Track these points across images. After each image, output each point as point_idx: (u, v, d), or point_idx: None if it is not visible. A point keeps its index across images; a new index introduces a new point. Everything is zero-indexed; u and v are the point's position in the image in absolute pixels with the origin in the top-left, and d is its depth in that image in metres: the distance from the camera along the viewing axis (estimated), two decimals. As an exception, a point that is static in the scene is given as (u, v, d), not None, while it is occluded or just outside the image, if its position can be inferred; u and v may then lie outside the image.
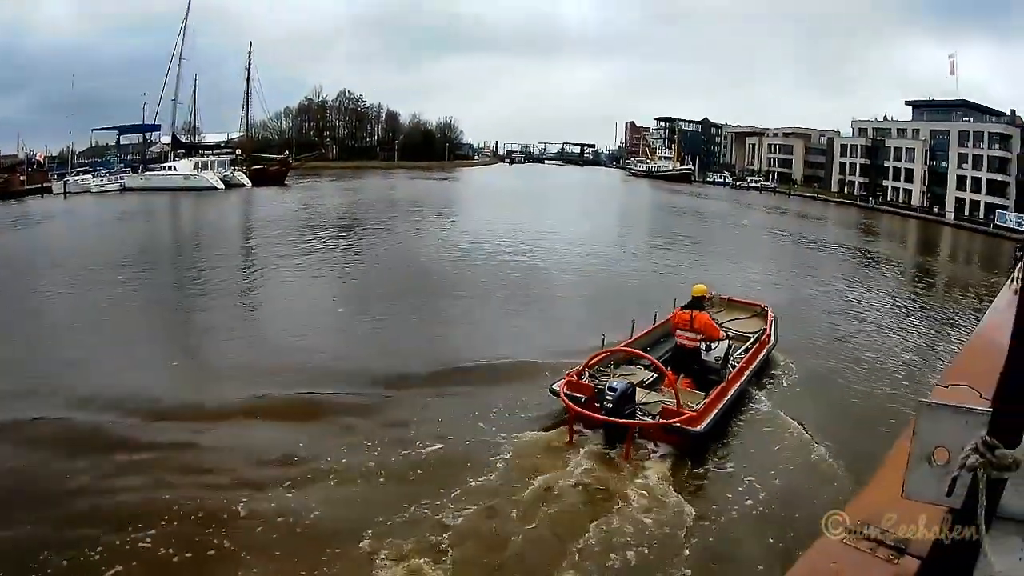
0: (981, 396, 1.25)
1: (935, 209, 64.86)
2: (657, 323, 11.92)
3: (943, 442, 1.21)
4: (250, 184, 57.32)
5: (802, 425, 9.49)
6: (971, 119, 67.32)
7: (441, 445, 8.53)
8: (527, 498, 7.28)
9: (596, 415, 8.37)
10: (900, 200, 71.09)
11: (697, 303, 10.49)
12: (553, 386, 9.12)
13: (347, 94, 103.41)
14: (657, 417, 8.50)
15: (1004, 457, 1.08)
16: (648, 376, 9.85)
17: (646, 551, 6.49)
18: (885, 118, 79.65)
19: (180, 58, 61.12)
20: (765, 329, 12.29)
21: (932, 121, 70.96)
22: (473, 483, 7.58)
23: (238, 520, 6.86)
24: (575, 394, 8.75)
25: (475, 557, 6.38)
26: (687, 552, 6.56)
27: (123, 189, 50.79)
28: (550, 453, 8.33)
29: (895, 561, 1.43)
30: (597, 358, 9.60)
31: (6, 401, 9.56)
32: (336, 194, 53.14)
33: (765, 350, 11.56)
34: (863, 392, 11.56)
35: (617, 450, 8.24)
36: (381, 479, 7.74)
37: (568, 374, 9.27)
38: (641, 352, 10.20)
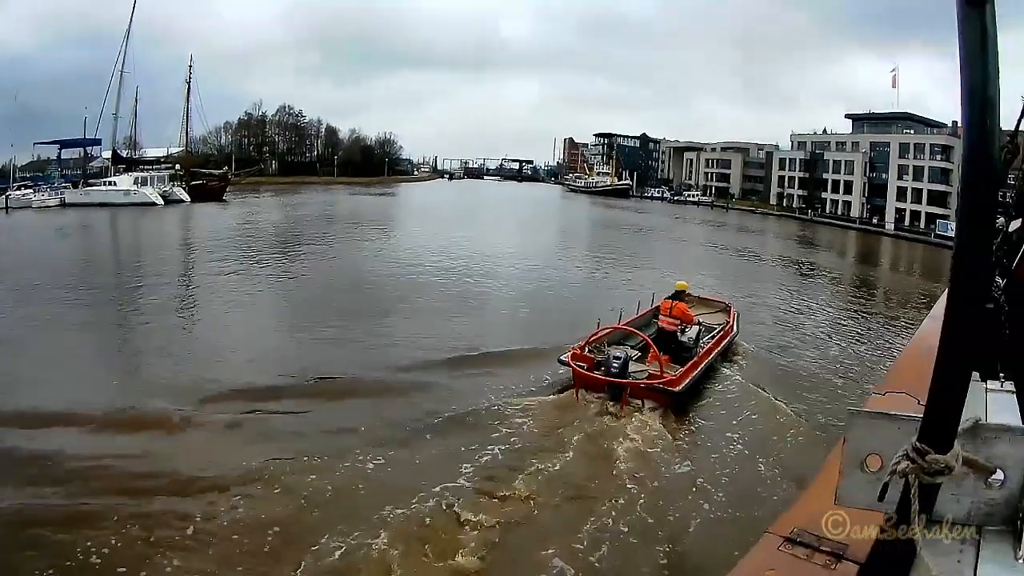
0: (919, 403, 1.23)
1: (875, 220, 70.07)
2: (641, 312, 14.61)
3: (876, 449, 1.27)
4: (189, 200, 58.29)
5: (761, 387, 12.43)
6: (912, 131, 72.91)
7: (470, 408, 10.84)
8: (547, 444, 9.58)
9: (600, 378, 10.88)
10: (839, 212, 76.76)
11: (678, 295, 13.45)
12: (561, 357, 11.70)
13: (287, 109, 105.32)
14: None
15: (935, 462, 1.12)
16: (635, 353, 12.39)
17: (644, 481, 8.77)
18: (824, 131, 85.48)
19: (122, 71, 62.13)
20: (729, 321, 15.29)
21: (872, 134, 76.88)
22: (501, 435, 9.88)
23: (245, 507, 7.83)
24: (580, 363, 11.25)
25: (508, 490, 8.37)
26: (675, 480, 8.92)
27: (63, 204, 51.29)
28: (562, 410, 10.78)
29: (832, 566, 1.50)
30: (599, 335, 12.15)
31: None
32: (275, 210, 54.64)
33: (729, 336, 14.57)
34: (806, 368, 14.73)
35: (616, 406, 10.74)
36: (427, 438, 9.82)
37: (573, 348, 11.81)
38: (636, 331, 12.74)
